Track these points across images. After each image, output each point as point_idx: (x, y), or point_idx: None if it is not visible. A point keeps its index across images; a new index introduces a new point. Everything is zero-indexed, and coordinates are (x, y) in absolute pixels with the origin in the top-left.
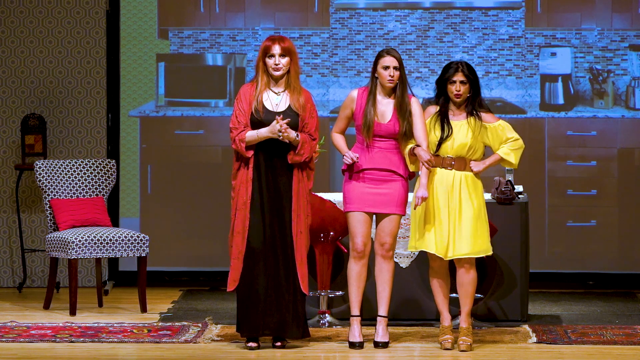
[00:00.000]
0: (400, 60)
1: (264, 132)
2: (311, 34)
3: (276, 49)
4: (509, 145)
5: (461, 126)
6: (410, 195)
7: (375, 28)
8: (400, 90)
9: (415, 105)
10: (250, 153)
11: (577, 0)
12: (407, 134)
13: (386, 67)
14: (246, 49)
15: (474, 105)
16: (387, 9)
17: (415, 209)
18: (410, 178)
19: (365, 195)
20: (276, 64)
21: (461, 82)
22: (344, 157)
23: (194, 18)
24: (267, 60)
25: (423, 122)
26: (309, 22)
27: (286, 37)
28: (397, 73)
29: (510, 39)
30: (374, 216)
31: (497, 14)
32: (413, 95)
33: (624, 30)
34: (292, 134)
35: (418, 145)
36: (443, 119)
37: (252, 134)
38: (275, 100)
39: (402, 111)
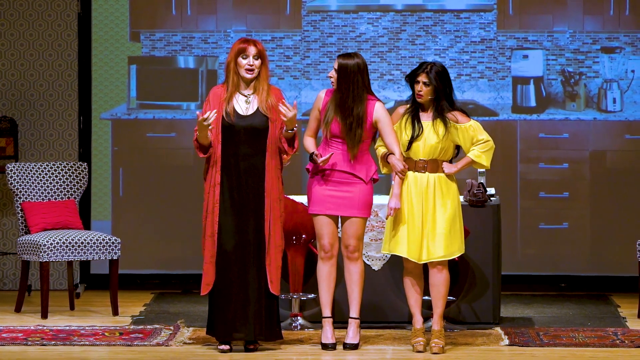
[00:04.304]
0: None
1: (200, 128)
2: (283, 36)
3: (251, 50)
4: (479, 147)
5: (431, 126)
6: (377, 198)
7: (347, 30)
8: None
9: (380, 111)
10: (205, 155)
11: (549, 3)
12: (352, 136)
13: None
14: (218, 51)
15: (438, 108)
16: (359, 11)
17: (387, 219)
18: (374, 182)
19: (327, 198)
20: (250, 65)
21: (424, 83)
22: (313, 155)
23: (165, 20)
24: (241, 60)
25: (392, 127)
26: (280, 24)
27: (258, 40)
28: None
29: (482, 42)
30: (339, 217)
31: (469, 17)
32: (378, 99)
33: (595, 33)
34: (288, 113)
35: (392, 153)
36: (414, 117)
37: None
38: (245, 103)
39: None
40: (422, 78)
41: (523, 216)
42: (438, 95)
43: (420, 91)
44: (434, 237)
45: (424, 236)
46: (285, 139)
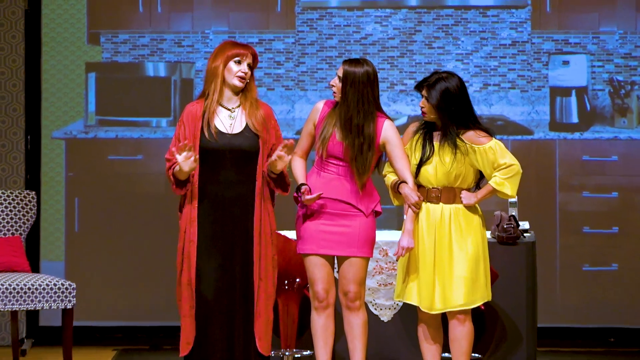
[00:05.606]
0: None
1: (182, 167)
2: (273, 38)
3: (249, 57)
4: (501, 173)
5: (444, 149)
6: (386, 234)
7: (351, 31)
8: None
9: (390, 131)
10: (183, 191)
11: None
12: (362, 160)
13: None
14: (194, 56)
15: (443, 130)
16: (364, 8)
17: (397, 259)
18: (377, 216)
19: (320, 234)
20: (244, 72)
21: (425, 97)
22: (301, 188)
23: (131, 19)
24: (233, 66)
25: (403, 150)
26: (270, 24)
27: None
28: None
29: (513, 45)
30: (335, 258)
31: (497, 15)
32: (387, 117)
33: None
34: (285, 158)
35: (403, 182)
36: (426, 137)
37: (176, 169)
38: (228, 119)
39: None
40: (423, 92)
41: (563, 256)
42: (442, 115)
43: (423, 107)
44: (451, 281)
45: (437, 281)
46: (271, 180)
